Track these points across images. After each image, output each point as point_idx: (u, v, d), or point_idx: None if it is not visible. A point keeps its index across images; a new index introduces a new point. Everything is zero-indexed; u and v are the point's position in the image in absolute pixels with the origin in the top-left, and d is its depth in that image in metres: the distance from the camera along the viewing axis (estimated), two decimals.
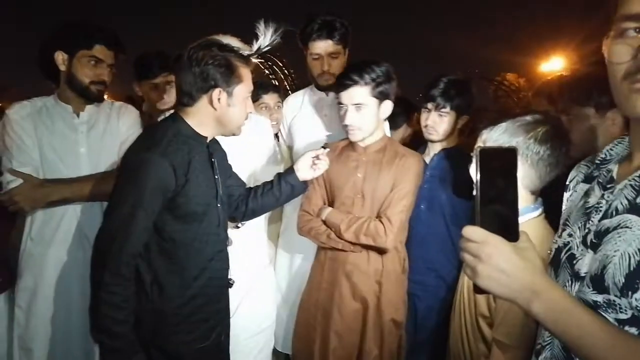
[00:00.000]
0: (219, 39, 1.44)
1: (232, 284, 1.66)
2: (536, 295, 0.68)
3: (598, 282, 0.76)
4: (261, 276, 2.09)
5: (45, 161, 1.81)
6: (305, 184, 1.78)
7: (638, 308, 0.71)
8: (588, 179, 0.94)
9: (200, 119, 1.47)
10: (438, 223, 1.95)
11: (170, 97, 2.33)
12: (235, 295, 1.70)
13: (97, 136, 1.90)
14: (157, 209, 1.38)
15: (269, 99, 2.46)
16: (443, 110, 1.93)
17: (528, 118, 1.33)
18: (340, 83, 1.80)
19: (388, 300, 1.86)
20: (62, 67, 1.83)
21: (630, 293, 0.71)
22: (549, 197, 1.35)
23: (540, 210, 1.38)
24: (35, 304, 1.82)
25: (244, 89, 1.47)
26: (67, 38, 1.82)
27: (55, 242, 1.82)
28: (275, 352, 2.23)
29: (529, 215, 1.35)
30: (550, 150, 1.29)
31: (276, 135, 2.41)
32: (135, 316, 1.41)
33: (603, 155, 0.92)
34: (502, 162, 0.72)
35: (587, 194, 0.90)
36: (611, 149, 0.91)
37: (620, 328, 0.72)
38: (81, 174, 1.83)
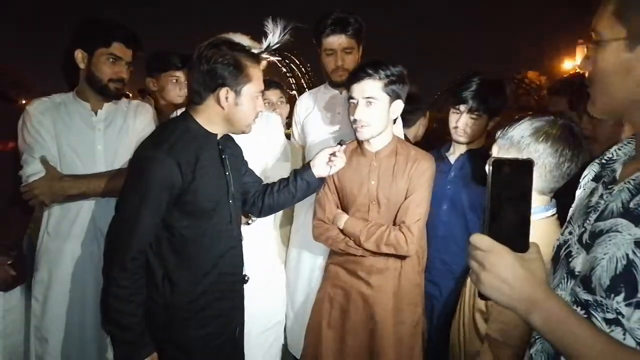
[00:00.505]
0: (230, 37, 1.44)
1: (247, 280, 1.67)
2: (534, 306, 0.70)
3: (587, 282, 0.78)
4: (272, 273, 2.10)
5: (63, 157, 1.84)
6: (321, 181, 1.77)
7: (618, 310, 0.73)
8: (597, 178, 0.93)
9: (209, 117, 1.48)
10: (459, 224, 1.91)
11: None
12: (247, 292, 1.71)
13: (113, 134, 1.93)
14: (164, 205, 1.40)
15: (271, 94, 2.48)
16: (476, 113, 1.86)
17: (540, 120, 1.31)
18: (354, 76, 1.77)
19: (406, 301, 1.83)
20: (82, 65, 1.86)
21: (613, 295, 0.73)
22: (561, 197, 1.33)
23: (553, 211, 1.36)
24: (50, 296, 1.87)
25: (252, 88, 1.47)
26: (86, 36, 1.85)
27: (71, 236, 1.87)
28: (284, 349, 2.24)
29: (540, 215, 1.33)
30: (549, 149, 1.28)
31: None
32: (148, 310, 1.44)
33: (610, 155, 0.91)
34: (516, 174, 0.72)
35: (592, 192, 0.90)
36: (619, 149, 0.90)
37: (611, 335, 0.72)
38: (97, 171, 1.86)
